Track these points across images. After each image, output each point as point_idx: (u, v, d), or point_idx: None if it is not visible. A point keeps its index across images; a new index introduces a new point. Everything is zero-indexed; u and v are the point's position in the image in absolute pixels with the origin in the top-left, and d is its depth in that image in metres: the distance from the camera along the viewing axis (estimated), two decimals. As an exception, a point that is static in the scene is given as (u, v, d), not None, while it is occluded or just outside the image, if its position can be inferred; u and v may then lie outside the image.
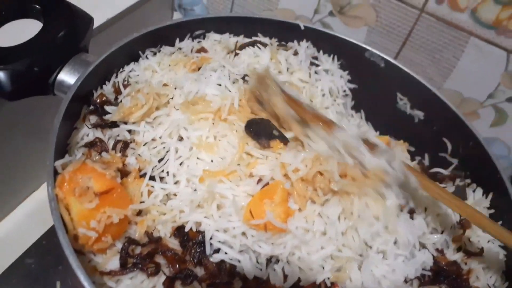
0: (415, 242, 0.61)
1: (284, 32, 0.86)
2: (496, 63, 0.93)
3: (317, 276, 0.56)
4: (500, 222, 0.69)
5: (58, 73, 0.67)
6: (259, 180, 0.59)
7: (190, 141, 0.62)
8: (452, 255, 0.65)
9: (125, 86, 0.70)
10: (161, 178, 0.61)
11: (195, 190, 0.59)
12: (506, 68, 0.93)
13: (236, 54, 0.79)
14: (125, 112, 0.64)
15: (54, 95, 0.68)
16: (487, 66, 0.95)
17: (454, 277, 0.62)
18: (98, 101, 0.68)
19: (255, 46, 0.80)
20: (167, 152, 0.62)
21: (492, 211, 0.72)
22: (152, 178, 0.61)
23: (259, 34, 0.86)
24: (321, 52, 0.87)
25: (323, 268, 0.57)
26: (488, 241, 0.69)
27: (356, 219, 0.59)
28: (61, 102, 0.62)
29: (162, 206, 0.58)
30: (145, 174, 0.60)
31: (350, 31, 1.05)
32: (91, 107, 0.68)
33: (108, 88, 0.71)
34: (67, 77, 0.67)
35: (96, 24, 0.97)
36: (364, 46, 0.86)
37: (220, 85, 0.69)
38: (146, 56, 0.78)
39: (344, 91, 0.83)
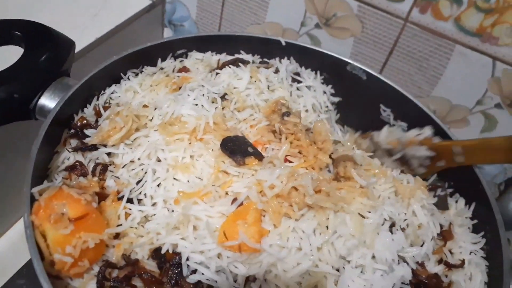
0: (393, 257, 0.61)
1: (267, 48, 0.87)
2: (483, 70, 0.93)
3: None
4: (482, 233, 0.69)
5: (39, 98, 0.67)
6: (234, 200, 0.59)
7: (167, 162, 0.63)
8: (433, 267, 0.64)
9: (106, 109, 0.71)
10: (139, 200, 0.61)
11: (172, 211, 0.60)
12: (492, 75, 0.93)
13: (217, 73, 0.79)
14: (104, 135, 0.65)
15: (36, 120, 0.69)
16: (473, 73, 0.94)
17: (434, 290, 0.62)
18: (78, 124, 0.68)
19: (236, 65, 0.81)
20: (145, 173, 0.63)
21: (475, 221, 0.72)
22: (130, 200, 0.61)
23: (241, 51, 0.86)
24: (303, 68, 0.87)
25: (300, 284, 0.57)
26: (470, 253, 0.68)
27: (332, 234, 0.59)
28: (40, 127, 0.63)
29: (139, 229, 0.59)
30: (123, 196, 0.61)
31: (337, 42, 1.05)
32: (72, 130, 0.69)
33: (89, 111, 0.72)
34: (48, 101, 0.67)
35: (85, 43, 1.00)
36: (345, 59, 0.86)
37: (196, 104, 0.70)
38: (128, 77, 0.79)
39: (327, 106, 0.83)
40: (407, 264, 0.62)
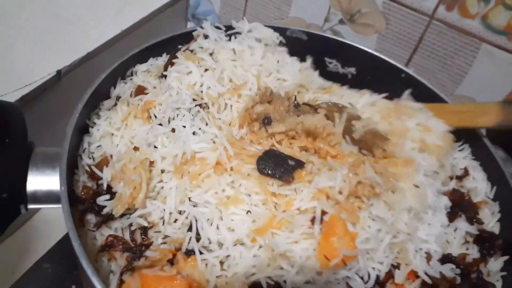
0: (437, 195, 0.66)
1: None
2: (509, 69, 0.92)
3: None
4: (462, 141, 0.78)
5: (25, 186, 0.59)
6: (313, 220, 0.57)
7: (212, 202, 0.58)
8: (451, 186, 0.72)
9: (98, 166, 0.64)
10: (203, 248, 0.57)
11: (254, 255, 0.56)
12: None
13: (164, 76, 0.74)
14: (129, 202, 0.59)
15: (27, 211, 0.61)
16: (499, 72, 0.93)
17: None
18: (84, 197, 0.61)
19: (174, 57, 0.76)
20: (195, 220, 0.58)
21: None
22: (189, 251, 0.57)
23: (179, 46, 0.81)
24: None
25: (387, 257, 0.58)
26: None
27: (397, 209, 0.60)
28: (66, 218, 0.54)
29: (223, 275, 0.56)
30: (189, 251, 0.57)
31: (361, 38, 1.05)
32: (80, 206, 0.61)
33: (83, 178, 0.64)
34: (38, 184, 0.59)
35: (110, 36, 1.01)
36: (283, 26, 0.88)
37: (194, 132, 0.65)
38: (94, 122, 0.70)
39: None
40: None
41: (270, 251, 0.55)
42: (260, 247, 0.56)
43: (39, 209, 0.91)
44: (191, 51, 0.78)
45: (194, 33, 0.81)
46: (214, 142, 0.64)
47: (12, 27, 0.97)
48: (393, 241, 0.58)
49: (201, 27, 0.81)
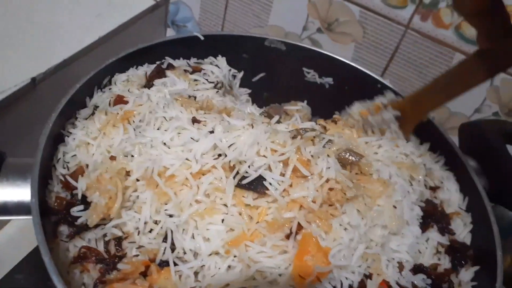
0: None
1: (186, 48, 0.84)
2: (482, 79, 0.94)
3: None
4: (438, 152, 0.79)
5: None
6: (289, 235, 0.57)
7: (188, 212, 0.58)
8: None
9: (73, 176, 0.62)
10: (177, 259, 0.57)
11: (229, 265, 0.56)
12: (491, 83, 0.94)
13: (151, 85, 0.74)
14: (104, 212, 0.57)
15: None
16: (473, 82, 0.95)
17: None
18: (58, 208, 0.59)
19: (162, 73, 0.77)
20: (166, 230, 0.58)
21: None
22: (164, 263, 0.57)
23: (166, 57, 0.81)
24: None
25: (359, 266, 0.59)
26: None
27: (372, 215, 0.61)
28: (36, 231, 0.53)
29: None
30: (163, 263, 0.56)
31: (339, 47, 1.06)
32: (53, 218, 0.60)
33: (56, 188, 0.63)
34: (7, 195, 0.58)
35: (88, 42, 1.00)
36: (262, 36, 0.89)
37: (165, 144, 0.63)
38: (69, 132, 0.69)
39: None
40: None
41: (245, 263, 0.55)
42: (235, 256, 0.56)
43: (9, 220, 0.89)
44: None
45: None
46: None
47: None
48: (366, 251, 0.59)
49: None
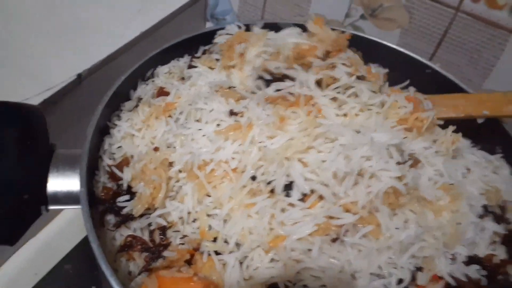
0: None
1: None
2: (539, 62, 0.88)
3: None
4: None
5: (45, 187, 0.58)
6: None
7: (226, 208, 0.57)
8: None
9: (119, 167, 0.64)
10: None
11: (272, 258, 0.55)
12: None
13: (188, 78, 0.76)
14: (149, 202, 0.58)
15: (48, 211, 0.60)
16: (529, 65, 0.90)
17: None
18: (104, 198, 0.61)
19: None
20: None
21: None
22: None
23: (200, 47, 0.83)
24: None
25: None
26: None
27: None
28: (85, 219, 0.53)
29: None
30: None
31: (383, 34, 1.03)
32: (101, 207, 0.61)
33: (103, 179, 0.64)
34: (59, 185, 0.58)
35: (130, 37, 1.02)
36: (303, 24, 0.83)
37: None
38: (114, 124, 0.70)
39: None
40: None
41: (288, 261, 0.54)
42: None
43: (60, 210, 0.92)
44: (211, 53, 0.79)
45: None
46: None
47: (32, 30, 0.98)
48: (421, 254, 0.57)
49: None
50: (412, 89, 0.77)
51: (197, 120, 0.66)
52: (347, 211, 0.55)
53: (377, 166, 0.57)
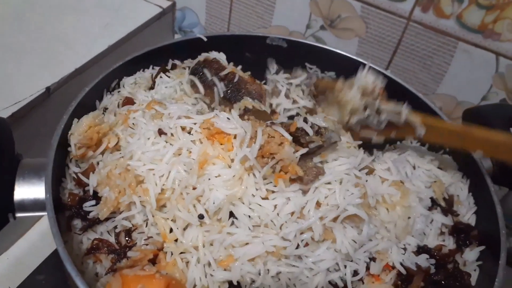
0: None
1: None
2: (486, 66, 0.94)
3: None
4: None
5: (12, 195, 0.60)
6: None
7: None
8: None
9: (85, 173, 0.65)
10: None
11: None
12: (496, 70, 0.94)
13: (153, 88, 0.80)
14: (114, 204, 0.60)
15: (15, 219, 0.62)
16: (478, 69, 0.96)
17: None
18: (71, 203, 0.63)
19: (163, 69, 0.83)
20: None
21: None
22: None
23: (170, 60, 0.87)
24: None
25: None
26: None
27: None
28: (51, 224, 0.55)
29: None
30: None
31: (342, 43, 1.08)
32: (67, 212, 0.63)
33: (70, 185, 0.66)
34: (25, 193, 0.61)
35: (98, 51, 1.04)
36: (262, 35, 0.91)
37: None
38: None
39: None
40: None
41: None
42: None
43: (33, 223, 0.93)
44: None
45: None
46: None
47: (1, 46, 0.99)
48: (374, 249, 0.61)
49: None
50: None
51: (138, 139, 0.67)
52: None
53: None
